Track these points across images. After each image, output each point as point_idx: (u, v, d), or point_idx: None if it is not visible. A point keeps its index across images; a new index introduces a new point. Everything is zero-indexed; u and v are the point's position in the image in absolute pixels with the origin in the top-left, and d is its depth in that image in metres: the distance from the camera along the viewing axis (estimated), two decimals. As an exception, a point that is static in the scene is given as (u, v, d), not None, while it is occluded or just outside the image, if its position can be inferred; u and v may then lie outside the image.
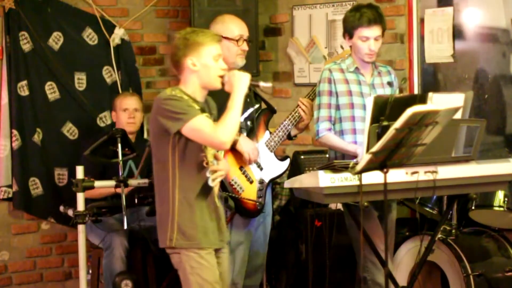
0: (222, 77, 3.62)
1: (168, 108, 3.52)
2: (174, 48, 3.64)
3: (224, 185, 4.30)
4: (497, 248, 4.82)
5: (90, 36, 5.78)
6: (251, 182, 4.45)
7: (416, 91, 5.39)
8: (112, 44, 5.80)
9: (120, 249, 4.91)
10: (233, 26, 4.41)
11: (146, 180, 4.78)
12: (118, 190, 4.68)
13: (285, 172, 4.64)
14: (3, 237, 5.60)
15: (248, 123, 4.51)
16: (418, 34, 5.42)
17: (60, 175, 5.66)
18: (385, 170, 3.56)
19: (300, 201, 5.18)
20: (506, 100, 5.16)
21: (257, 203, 4.44)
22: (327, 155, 4.59)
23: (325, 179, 3.77)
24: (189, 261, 3.57)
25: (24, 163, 5.54)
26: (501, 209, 4.70)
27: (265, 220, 4.60)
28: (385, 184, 3.56)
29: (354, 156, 4.17)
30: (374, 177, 3.65)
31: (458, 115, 3.88)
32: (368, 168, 3.56)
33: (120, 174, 4.74)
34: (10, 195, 5.54)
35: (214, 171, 3.61)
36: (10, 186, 5.53)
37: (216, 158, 3.69)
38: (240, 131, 4.39)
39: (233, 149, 4.35)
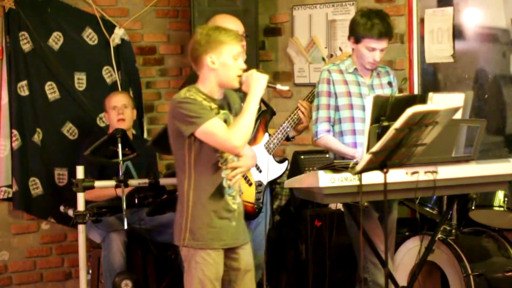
0: (240, 76, 3.61)
1: (182, 112, 3.52)
2: (195, 43, 3.62)
3: None
4: (497, 248, 4.82)
5: (90, 36, 5.78)
6: (250, 184, 4.45)
7: (416, 91, 5.39)
8: (112, 44, 5.80)
9: (119, 242, 4.90)
10: (227, 25, 4.37)
11: (146, 180, 4.79)
12: (119, 191, 4.68)
13: (283, 174, 4.64)
14: (3, 237, 5.60)
15: None
16: (418, 34, 5.42)
17: (60, 175, 5.66)
18: (385, 170, 3.56)
19: (300, 201, 5.17)
20: (506, 100, 5.16)
21: (256, 206, 4.44)
22: (327, 155, 4.59)
23: (325, 179, 3.77)
24: (195, 256, 3.59)
25: (24, 163, 5.54)
26: (501, 209, 4.70)
27: (263, 220, 4.59)
28: (385, 184, 3.56)
29: (353, 157, 4.17)
30: (374, 177, 3.65)
31: (458, 115, 3.88)
32: (368, 168, 3.56)
33: (120, 174, 4.74)
34: (10, 195, 5.54)
35: (234, 168, 3.62)
36: (10, 186, 5.53)
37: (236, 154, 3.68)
38: None
39: None
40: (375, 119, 3.72)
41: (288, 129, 4.54)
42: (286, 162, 4.62)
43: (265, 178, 4.50)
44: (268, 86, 3.64)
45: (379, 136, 3.58)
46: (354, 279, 4.80)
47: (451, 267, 4.60)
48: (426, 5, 5.38)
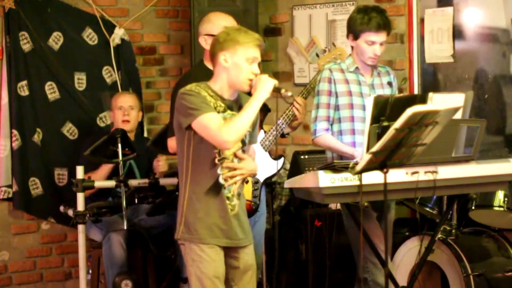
0: (251, 80, 3.60)
1: (183, 103, 3.55)
2: (215, 40, 3.66)
3: None
4: (497, 248, 4.82)
5: (90, 36, 5.78)
6: (246, 182, 4.42)
7: (416, 91, 5.39)
8: (112, 44, 5.79)
9: (119, 236, 4.89)
10: (222, 22, 4.34)
11: (146, 180, 4.79)
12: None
13: (279, 171, 4.63)
14: (3, 237, 5.60)
15: None
16: (418, 34, 5.42)
17: (60, 175, 5.66)
18: (385, 170, 3.56)
19: (300, 201, 5.17)
20: (506, 100, 5.16)
21: (253, 203, 4.44)
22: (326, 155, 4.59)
23: (325, 179, 3.77)
24: (191, 253, 3.60)
25: (24, 163, 5.54)
26: (501, 209, 4.70)
27: (259, 220, 4.57)
28: (385, 184, 3.56)
29: (352, 156, 4.16)
30: (374, 177, 3.65)
31: (458, 115, 3.88)
32: (368, 168, 3.56)
33: (120, 174, 4.74)
34: (10, 195, 5.54)
35: (233, 169, 3.62)
36: (10, 186, 5.53)
37: (236, 156, 3.67)
38: None
39: None
40: (375, 119, 3.72)
41: (283, 126, 4.54)
42: (282, 158, 4.62)
43: (261, 175, 4.49)
44: (273, 91, 3.63)
45: (379, 136, 3.58)
46: (354, 279, 4.79)
47: (451, 267, 4.60)
48: (426, 5, 5.39)
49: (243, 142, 3.68)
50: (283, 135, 4.61)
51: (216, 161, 3.61)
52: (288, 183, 4.19)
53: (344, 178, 3.77)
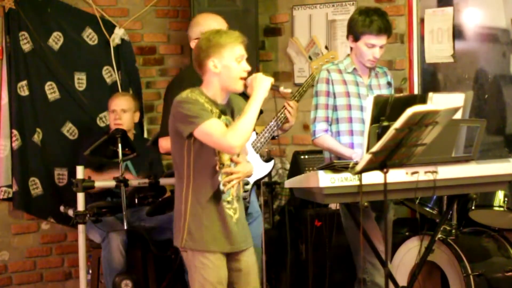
0: (244, 79, 3.58)
1: (182, 111, 3.50)
2: (198, 49, 3.60)
3: None
4: (497, 248, 4.82)
5: (90, 36, 5.78)
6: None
7: (416, 91, 5.39)
8: (112, 44, 5.79)
9: (118, 242, 4.90)
10: (210, 23, 4.31)
11: (146, 180, 4.78)
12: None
13: (269, 173, 4.61)
14: (3, 237, 5.60)
15: None
16: (418, 34, 5.42)
17: (60, 175, 5.66)
18: (385, 170, 3.56)
19: (300, 201, 5.17)
20: (506, 100, 5.16)
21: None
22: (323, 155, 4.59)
23: (325, 179, 3.77)
24: (194, 260, 3.59)
25: (24, 163, 5.54)
26: (501, 209, 4.70)
27: (254, 222, 4.55)
28: (385, 184, 3.56)
29: (350, 158, 4.16)
30: (374, 177, 3.65)
31: (458, 115, 3.88)
32: (368, 168, 3.56)
33: (120, 173, 4.74)
34: (10, 195, 5.54)
35: (230, 173, 3.59)
36: (10, 186, 5.53)
37: (232, 161, 3.65)
38: None
39: None
40: (375, 119, 3.72)
41: (275, 128, 4.53)
42: (272, 161, 4.62)
43: (252, 177, 4.47)
44: (271, 88, 3.61)
45: (379, 136, 3.58)
46: (354, 279, 4.79)
47: (451, 267, 4.60)
48: (426, 5, 5.39)
49: None
50: (273, 137, 4.60)
51: (217, 168, 3.59)
52: (288, 183, 4.19)
53: (344, 178, 3.77)
